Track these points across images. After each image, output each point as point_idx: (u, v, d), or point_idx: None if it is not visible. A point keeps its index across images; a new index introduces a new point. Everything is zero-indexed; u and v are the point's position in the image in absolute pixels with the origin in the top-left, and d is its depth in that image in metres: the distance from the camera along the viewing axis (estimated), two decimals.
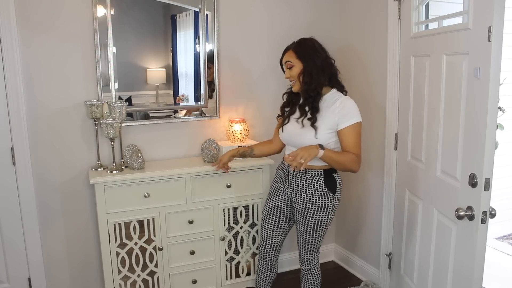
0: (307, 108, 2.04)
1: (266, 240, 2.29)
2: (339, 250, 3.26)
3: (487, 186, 1.69)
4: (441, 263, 2.05)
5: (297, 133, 2.08)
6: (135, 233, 2.39)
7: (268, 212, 2.26)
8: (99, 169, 2.43)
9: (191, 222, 2.49)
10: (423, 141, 2.22)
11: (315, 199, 2.08)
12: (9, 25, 2.21)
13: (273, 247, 2.29)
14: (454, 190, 1.91)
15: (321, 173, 2.08)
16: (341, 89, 2.09)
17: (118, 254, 2.37)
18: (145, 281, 2.47)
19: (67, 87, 2.40)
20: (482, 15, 1.66)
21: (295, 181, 2.12)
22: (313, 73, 2.01)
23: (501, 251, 3.51)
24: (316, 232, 2.13)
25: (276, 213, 2.24)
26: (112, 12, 2.39)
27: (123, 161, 2.48)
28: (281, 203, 2.22)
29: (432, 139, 2.11)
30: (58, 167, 2.46)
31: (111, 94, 2.39)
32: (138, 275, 2.45)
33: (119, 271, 2.40)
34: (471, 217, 1.73)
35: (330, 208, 2.10)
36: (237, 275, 2.72)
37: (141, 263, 2.44)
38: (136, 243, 2.41)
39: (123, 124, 2.47)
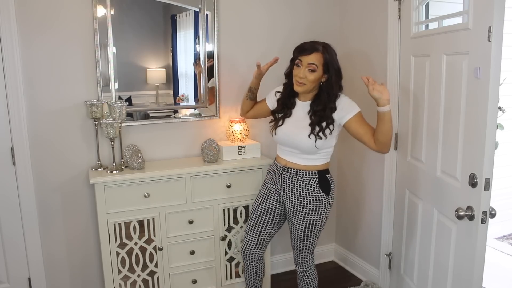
0: (321, 119, 2.01)
1: (250, 240, 2.25)
2: (339, 250, 3.26)
3: (487, 186, 1.69)
4: (441, 263, 2.05)
5: (291, 134, 2.06)
6: (135, 233, 2.39)
7: (257, 212, 2.23)
8: (99, 169, 2.43)
9: (191, 222, 2.49)
10: (423, 141, 2.22)
11: (309, 201, 2.06)
12: (9, 26, 2.21)
13: (257, 248, 2.26)
14: (454, 190, 1.91)
15: (315, 175, 2.07)
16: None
17: (118, 254, 2.37)
18: (145, 281, 2.47)
19: (67, 87, 2.40)
20: (482, 15, 1.66)
21: (289, 182, 2.11)
22: (333, 85, 1.99)
23: (501, 251, 3.51)
24: (310, 234, 2.12)
25: (266, 213, 2.21)
26: (112, 12, 2.39)
27: (123, 161, 2.48)
28: (272, 204, 2.20)
29: (432, 139, 2.11)
30: (58, 167, 2.46)
31: (111, 94, 2.39)
32: (138, 275, 2.45)
33: (119, 271, 2.40)
34: (471, 217, 1.73)
35: (324, 210, 2.08)
36: (237, 275, 2.72)
37: (141, 263, 2.44)
38: (136, 243, 2.41)
39: (123, 124, 2.47)
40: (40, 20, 2.29)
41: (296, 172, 2.08)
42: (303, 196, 2.07)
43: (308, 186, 2.06)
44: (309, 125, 2.02)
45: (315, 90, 2.05)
